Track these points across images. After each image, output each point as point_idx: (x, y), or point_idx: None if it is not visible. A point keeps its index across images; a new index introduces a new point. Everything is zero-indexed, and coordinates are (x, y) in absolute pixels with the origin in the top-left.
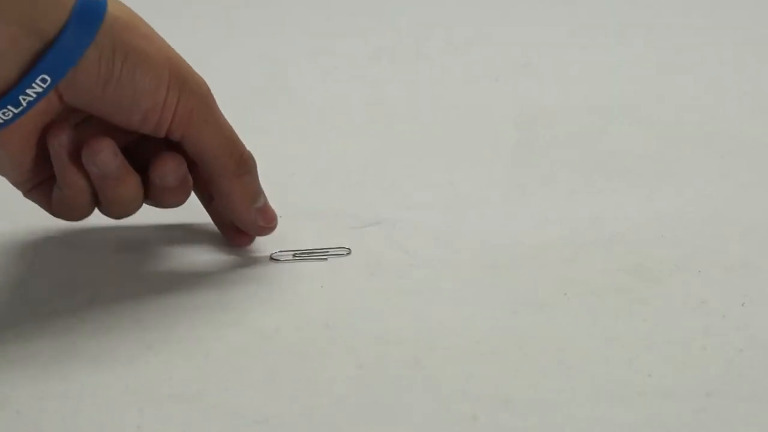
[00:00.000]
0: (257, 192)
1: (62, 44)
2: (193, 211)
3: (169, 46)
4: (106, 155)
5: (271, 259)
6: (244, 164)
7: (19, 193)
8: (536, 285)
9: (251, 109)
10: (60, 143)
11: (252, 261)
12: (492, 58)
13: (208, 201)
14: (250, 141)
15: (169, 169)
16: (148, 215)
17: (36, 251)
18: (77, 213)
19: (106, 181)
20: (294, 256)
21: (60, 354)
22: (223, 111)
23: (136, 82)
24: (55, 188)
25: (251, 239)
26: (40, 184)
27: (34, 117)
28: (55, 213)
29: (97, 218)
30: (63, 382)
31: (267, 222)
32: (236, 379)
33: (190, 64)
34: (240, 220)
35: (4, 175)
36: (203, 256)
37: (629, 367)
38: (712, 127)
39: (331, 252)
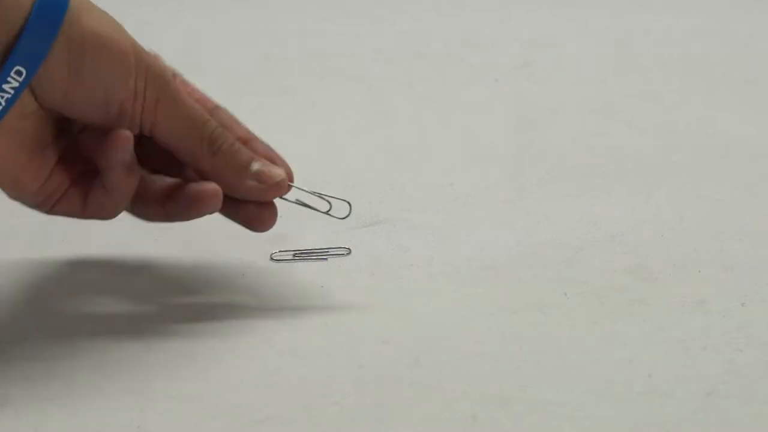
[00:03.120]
0: (244, 161)
1: (31, 33)
2: None
3: (128, 33)
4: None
5: (271, 259)
6: (215, 142)
7: None
8: (536, 285)
9: (251, 109)
10: (123, 147)
11: (252, 261)
12: (492, 58)
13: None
14: None
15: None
16: None
17: (35, 252)
18: (117, 211)
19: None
20: (294, 256)
21: (60, 354)
22: None
23: (105, 68)
24: (94, 193)
25: (272, 215)
26: (64, 196)
27: (14, 122)
28: (92, 215)
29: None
30: (63, 382)
31: (270, 179)
32: (236, 379)
33: (190, 64)
34: (242, 195)
35: (25, 199)
36: (203, 257)
37: (629, 367)
38: (712, 127)
39: (331, 252)
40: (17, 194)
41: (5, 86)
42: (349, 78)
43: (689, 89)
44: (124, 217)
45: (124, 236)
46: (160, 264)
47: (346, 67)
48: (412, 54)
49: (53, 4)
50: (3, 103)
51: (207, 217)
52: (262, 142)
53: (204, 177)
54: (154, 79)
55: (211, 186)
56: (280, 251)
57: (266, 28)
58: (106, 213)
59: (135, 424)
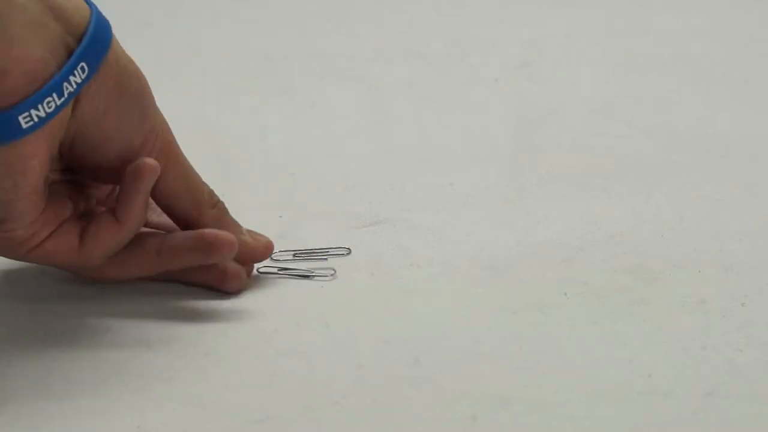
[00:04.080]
0: (235, 221)
1: (93, 35)
2: None
3: None
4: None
5: (272, 259)
6: (213, 195)
7: None
8: (536, 285)
9: (251, 109)
10: (149, 175)
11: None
12: (492, 58)
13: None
14: (250, 142)
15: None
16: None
17: None
18: (117, 248)
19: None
20: (294, 256)
21: (60, 354)
22: (222, 111)
23: (141, 94)
24: (96, 227)
25: (243, 278)
26: (58, 230)
27: (55, 129)
28: (87, 255)
29: None
30: (63, 382)
31: (261, 237)
32: (236, 379)
33: (190, 64)
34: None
35: (17, 223)
36: None
37: (629, 367)
38: (712, 127)
39: (331, 252)
40: (7, 219)
41: (71, 78)
42: (349, 78)
43: (689, 89)
44: None
45: None
46: None
47: (346, 67)
48: (412, 54)
49: (105, 22)
50: (66, 95)
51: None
52: None
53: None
54: (164, 125)
55: (148, 159)
56: (280, 251)
57: (266, 28)
58: (107, 248)
59: (135, 424)
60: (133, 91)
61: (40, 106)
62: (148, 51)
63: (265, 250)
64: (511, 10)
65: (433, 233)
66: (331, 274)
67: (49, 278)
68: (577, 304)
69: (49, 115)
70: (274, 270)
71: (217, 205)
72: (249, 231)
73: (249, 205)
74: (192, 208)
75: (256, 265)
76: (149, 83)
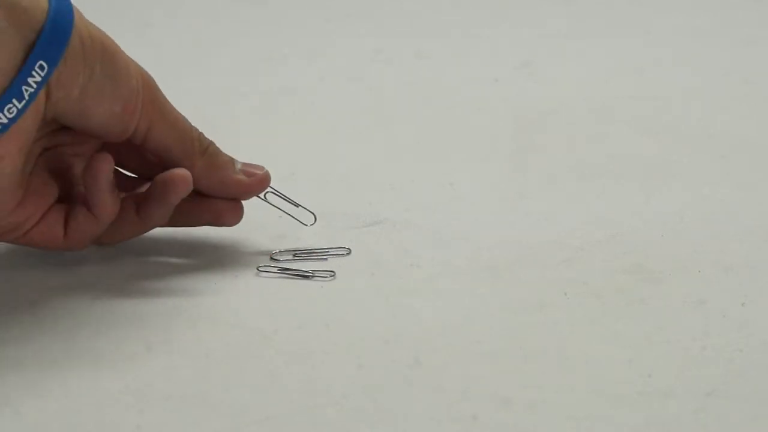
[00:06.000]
0: (228, 158)
1: (50, 30)
2: None
3: None
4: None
5: (272, 259)
6: (203, 141)
7: None
8: (536, 285)
9: (251, 109)
10: (105, 170)
11: (252, 261)
12: (491, 58)
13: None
14: (250, 141)
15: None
16: None
17: (36, 252)
18: (97, 234)
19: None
20: (294, 256)
21: (60, 354)
22: (223, 111)
23: (114, 66)
24: (76, 220)
25: (241, 207)
26: (42, 221)
27: (25, 124)
28: (73, 242)
29: None
30: (63, 382)
31: (257, 169)
32: (236, 379)
33: (190, 64)
34: (230, 188)
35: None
36: (203, 257)
37: (629, 367)
38: (712, 127)
39: (331, 252)
40: None
41: (30, 80)
42: (349, 78)
43: (689, 89)
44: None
45: None
46: (159, 264)
47: (346, 67)
48: (412, 54)
49: (65, 8)
50: (26, 97)
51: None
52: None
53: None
54: (146, 82)
55: (180, 170)
56: (280, 251)
57: (266, 28)
58: (89, 238)
59: (135, 423)
60: (105, 63)
61: (0, 114)
62: (148, 51)
63: (260, 184)
64: (511, 10)
65: (433, 233)
66: (331, 275)
67: (49, 279)
68: (577, 304)
69: (12, 120)
70: (274, 270)
71: (207, 149)
72: (246, 165)
73: (249, 205)
74: (182, 159)
75: (256, 265)
76: None
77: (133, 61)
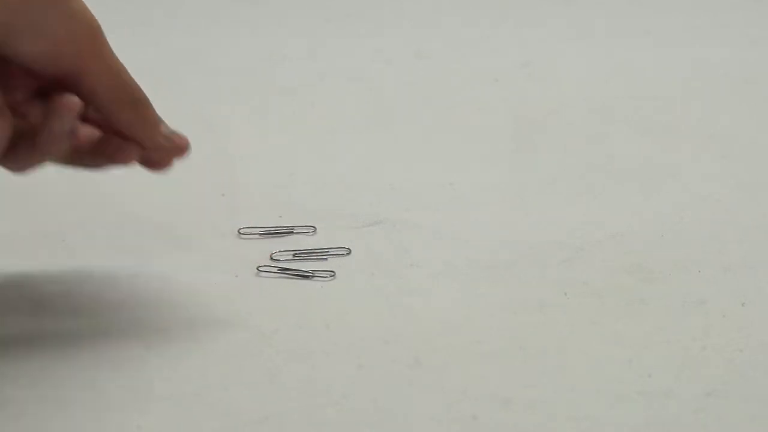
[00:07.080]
0: (157, 117)
1: None
2: (193, 206)
3: None
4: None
5: (272, 259)
6: (136, 92)
7: (26, 195)
8: (536, 285)
9: (251, 109)
10: (71, 116)
11: (252, 261)
12: (492, 58)
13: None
14: (250, 141)
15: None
16: (147, 213)
17: (37, 252)
18: (33, 166)
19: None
20: (294, 256)
21: (60, 354)
22: (223, 111)
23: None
24: (22, 144)
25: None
26: None
27: None
28: (7, 164)
29: (98, 216)
30: (63, 382)
31: (179, 140)
32: (236, 379)
33: (190, 64)
34: (152, 145)
35: None
36: (202, 256)
37: (629, 367)
38: (712, 127)
39: (331, 252)
40: None
41: None
42: (349, 78)
43: (689, 89)
44: (125, 219)
45: (124, 237)
46: (159, 264)
47: (346, 67)
48: (412, 54)
49: None
50: None
51: (206, 218)
52: None
53: (117, 128)
54: (90, 26)
55: (68, 95)
56: (279, 251)
57: (266, 28)
58: (28, 167)
59: (135, 424)
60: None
61: None
62: (148, 51)
63: (179, 151)
64: (511, 11)
65: (433, 233)
66: (331, 275)
67: (49, 279)
68: (577, 304)
69: None
70: (274, 270)
71: (140, 98)
72: (173, 133)
73: (249, 205)
74: (113, 103)
75: (256, 265)
76: (149, 83)
77: (82, 3)
